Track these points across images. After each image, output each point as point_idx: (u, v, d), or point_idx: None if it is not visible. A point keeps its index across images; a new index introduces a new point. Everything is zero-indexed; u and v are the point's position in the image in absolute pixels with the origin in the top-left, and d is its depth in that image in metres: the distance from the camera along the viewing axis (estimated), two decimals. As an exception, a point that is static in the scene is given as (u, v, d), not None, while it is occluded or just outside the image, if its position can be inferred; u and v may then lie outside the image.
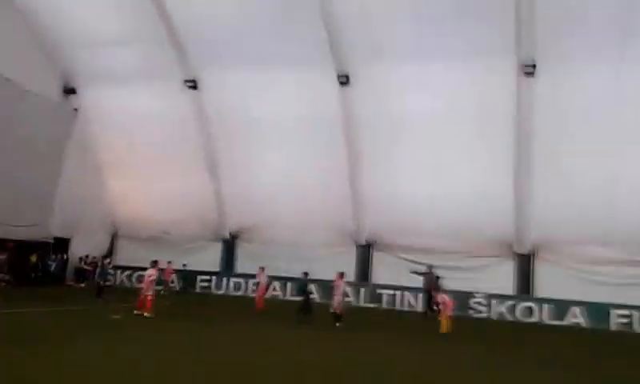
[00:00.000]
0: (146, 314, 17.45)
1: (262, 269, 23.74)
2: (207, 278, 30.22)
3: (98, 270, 26.29)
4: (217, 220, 30.33)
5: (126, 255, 32.20)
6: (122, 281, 31.74)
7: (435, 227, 26.26)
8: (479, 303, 26.12)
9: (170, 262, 27.92)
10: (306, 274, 22.67)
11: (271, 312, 21.45)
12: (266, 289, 24.39)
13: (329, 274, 27.24)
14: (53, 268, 29.50)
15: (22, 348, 10.86)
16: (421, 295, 25.85)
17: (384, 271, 28.19)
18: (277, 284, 28.91)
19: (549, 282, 25.95)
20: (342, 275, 19.09)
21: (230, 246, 30.84)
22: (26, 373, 8.88)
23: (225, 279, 30.01)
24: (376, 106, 25.73)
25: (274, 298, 28.01)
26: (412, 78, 24.75)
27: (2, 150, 25.24)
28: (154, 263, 19.11)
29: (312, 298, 22.08)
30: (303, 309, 19.47)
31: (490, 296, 26.02)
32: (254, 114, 27.16)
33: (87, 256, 30.82)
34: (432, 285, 23.76)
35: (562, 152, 24.01)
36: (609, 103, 22.87)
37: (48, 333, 13.60)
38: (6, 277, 26.71)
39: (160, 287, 24.22)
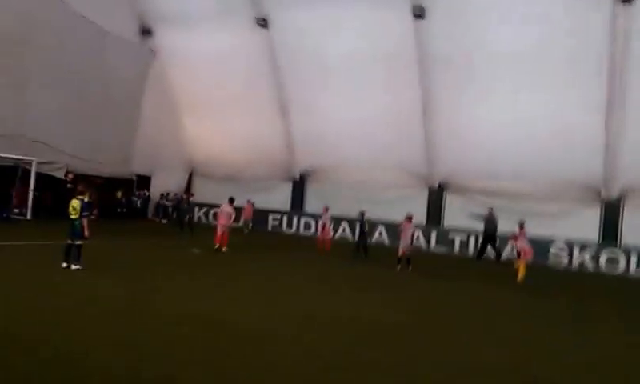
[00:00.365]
0: (223, 248, 18.27)
1: (326, 208, 23.81)
2: (278, 216, 30.83)
3: (180, 205, 27.88)
4: (287, 160, 30.60)
5: (202, 193, 33.39)
6: (199, 218, 33.08)
7: (513, 169, 24.97)
8: (559, 251, 24.95)
9: (250, 201, 28.91)
10: (362, 213, 22.08)
11: (337, 252, 21.56)
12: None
13: (399, 216, 27.15)
14: (137, 204, 31.10)
15: (110, 274, 11.55)
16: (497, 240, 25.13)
17: (456, 215, 27.52)
18: (345, 225, 29.10)
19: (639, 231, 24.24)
20: (410, 219, 18.50)
21: (299, 186, 31.13)
22: (121, 293, 9.43)
23: (295, 218, 30.49)
24: (452, 41, 24.45)
25: (342, 239, 28.25)
26: (495, 7, 23.22)
27: (85, 90, 26.49)
28: (231, 200, 19.47)
29: (367, 238, 22.36)
30: (359, 247, 20.75)
31: (572, 244, 24.70)
32: (325, 53, 26.70)
33: (168, 193, 32.20)
34: (494, 229, 23.87)
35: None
36: None
37: (137, 262, 14.55)
38: (94, 211, 28.36)
39: (240, 224, 25.08)
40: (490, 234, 24.34)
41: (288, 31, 27.15)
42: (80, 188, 12.81)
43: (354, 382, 6.39)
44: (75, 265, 12.06)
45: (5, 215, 22.65)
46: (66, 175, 25.69)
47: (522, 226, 18.59)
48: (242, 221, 27.67)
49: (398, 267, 17.53)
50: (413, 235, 18.60)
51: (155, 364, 6.37)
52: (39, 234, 18.58)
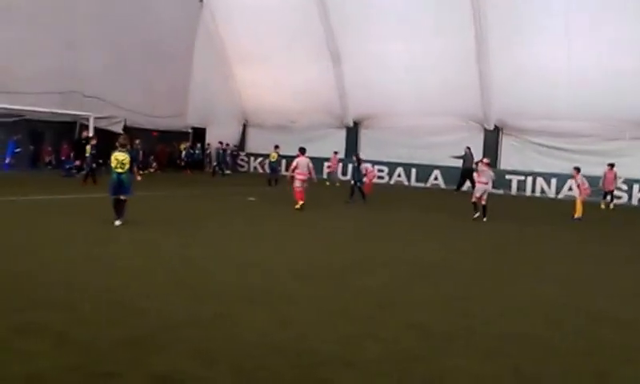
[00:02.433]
0: (298, 204, 16.14)
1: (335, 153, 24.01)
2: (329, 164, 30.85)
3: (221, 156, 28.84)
4: (340, 107, 30.40)
5: (255, 143, 33.82)
6: (254, 167, 33.69)
7: (569, 109, 24.16)
8: (618, 188, 24.13)
9: (336, 152, 28.59)
10: (357, 155, 20.85)
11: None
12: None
13: (455, 161, 26.80)
14: (195, 156, 31.80)
15: (172, 226, 12.03)
16: (554, 180, 24.66)
17: (513, 156, 26.91)
18: (400, 170, 29.02)
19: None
20: (486, 162, 16.52)
21: (353, 133, 30.98)
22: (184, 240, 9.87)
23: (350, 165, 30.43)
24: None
25: (399, 184, 28.26)
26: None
27: (136, 45, 26.95)
28: (302, 150, 16.87)
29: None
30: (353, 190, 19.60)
31: (631, 181, 23.96)
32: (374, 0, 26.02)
33: (227, 144, 32.70)
34: (470, 165, 24.81)
35: None
36: None
37: (204, 212, 15.00)
38: (154, 163, 29.29)
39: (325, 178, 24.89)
40: (467, 169, 25.55)
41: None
42: (121, 141, 11.90)
43: (405, 315, 6.50)
44: (118, 220, 11.52)
45: (69, 168, 23.66)
46: (80, 132, 25.14)
47: (578, 170, 17.93)
48: (325, 174, 27.83)
49: (476, 214, 15.84)
50: (491, 179, 16.21)
51: (212, 304, 6.68)
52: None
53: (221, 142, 31.19)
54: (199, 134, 32.66)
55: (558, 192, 25.45)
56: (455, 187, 26.33)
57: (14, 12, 22.44)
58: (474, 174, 16.30)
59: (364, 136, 30.74)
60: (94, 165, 20.26)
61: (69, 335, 5.31)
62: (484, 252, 11.39)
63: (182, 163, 30.73)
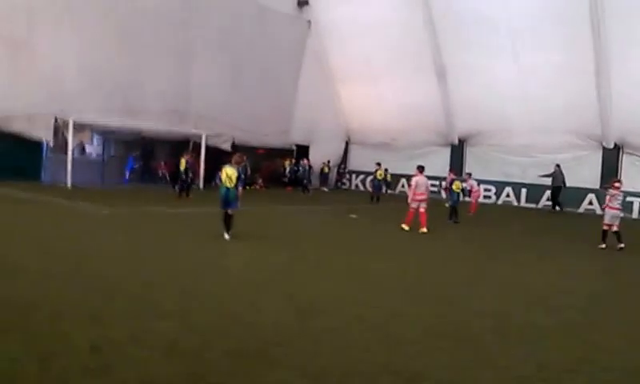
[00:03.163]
0: (423, 229, 14.97)
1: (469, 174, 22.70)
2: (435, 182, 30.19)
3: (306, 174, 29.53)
4: (444, 125, 29.74)
5: (358, 161, 33.88)
6: (356, 185, 33.78)
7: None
8: None
9: (452, 168, 25.39)
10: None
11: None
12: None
13: (571, 180, 25.29)
14: (299, 173, 32.35)
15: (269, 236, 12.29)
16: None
17: (635, 176, 24.86)
18: (509, 190, 27.81)
19: None
20: (617, 184, 14.58)
21: (458, 151, 30.15)
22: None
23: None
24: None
25: (507, 205, 27.10)
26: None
27: (246, 65, 28.07)
28: (421, 168, 15.81)
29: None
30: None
31: None
32: (483, 14, 25.27)
33: (328, 162, 33.13)
34: (559, 183, 25.19)
35: None
36: None
37: (308, 227, 15.15)
38: (259, 181, 30.15)
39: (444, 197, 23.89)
40: (557, 187, 25.41)
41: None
42: (236, 158, 12.17)
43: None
44: (227, 234, 11.73)
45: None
46: (193, 149, 25.52)
47: (618, 184, 14.88)
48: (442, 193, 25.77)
49: (603, 245, 14.00)
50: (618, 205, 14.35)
51: (321, 319, 6.62)
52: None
53: (307, 159, 31.51)
54: (303, 151, 33.24)
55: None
56: (552, 207, 25.71)
57: (137, 37, 24.18)
58: (606, 198, 14.41)
59: (470, 154, 29.78)
60: (189, 179, 21.25)
61: (179, 344, 5.46)
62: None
63: (286, 180, 31.40)
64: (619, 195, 14.37)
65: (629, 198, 24.33)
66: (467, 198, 21.25)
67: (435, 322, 6.82)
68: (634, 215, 24.28)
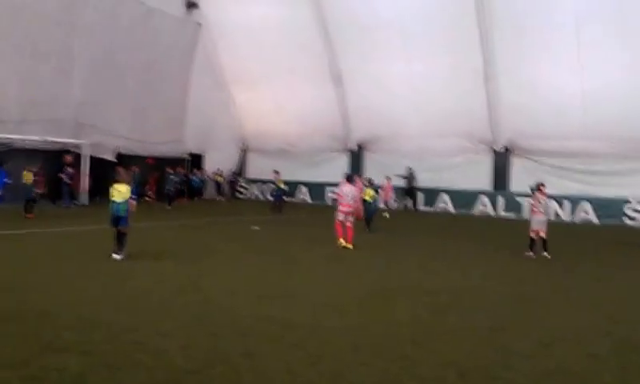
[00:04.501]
0: (347, 244, 14.21)
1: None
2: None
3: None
4: (343, 130, 30.44)
5: (255, 168, 33.76)
6: (255, 194, 33.60)
7: (581, 129, 24.27)
8: (635, 210, 24.28)
9: (389, 178, 26.25)
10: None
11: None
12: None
13: (463, 183, 26.87)
14: (195, 183, 31.64)
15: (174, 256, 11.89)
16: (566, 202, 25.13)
17: (523, 178, 26.86)
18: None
19: None
20: (541, 188, 14.27)
21: (356, 157, 30.96)
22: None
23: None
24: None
25: (402, 209, 28.16)
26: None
27: (132, 69, 27.02)
28: (349, 178, 15.36)
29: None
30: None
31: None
32: (377, 16, 26.19)
33: (220, 170, 32.70)
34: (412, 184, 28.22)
35: None
36: None
37: (208, 242, 14.74)
38: (149, 192, 29.01)
39: (382, 207, 24.07)
40: (410, 188, 28.19)
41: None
42: (122, 176, 11.80)
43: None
44: (118, 254, 11.36)
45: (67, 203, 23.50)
46: (65, 157, 24.40)
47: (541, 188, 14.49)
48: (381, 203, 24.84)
49: (530, 253, 13.88)
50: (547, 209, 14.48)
51: (236, 342, 6.53)
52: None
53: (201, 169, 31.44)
54: (196, 160, 32.56)
55: (572, 214, 25.41)
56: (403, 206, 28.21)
57: (7, 38, 22.50)
58: (531, 203, 14.43)
59: (369, 160, 30.68)
60: (34, 194, 19.62)
61: (88, 381, 5.15)
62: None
63: (181, 190, 30.55)
64: (544, 200, 14.19)
65: (517, 198, 26.40)
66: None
67: (355, 335, 6.94)
68: (525, 215, 26.15)
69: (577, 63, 23.77)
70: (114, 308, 7.75)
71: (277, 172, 26.27)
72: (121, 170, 12.38)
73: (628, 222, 24.29)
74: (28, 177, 19.56)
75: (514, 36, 24.50)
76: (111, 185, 11.75)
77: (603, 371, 5.96)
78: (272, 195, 26.57)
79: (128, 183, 11.79)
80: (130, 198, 11.57)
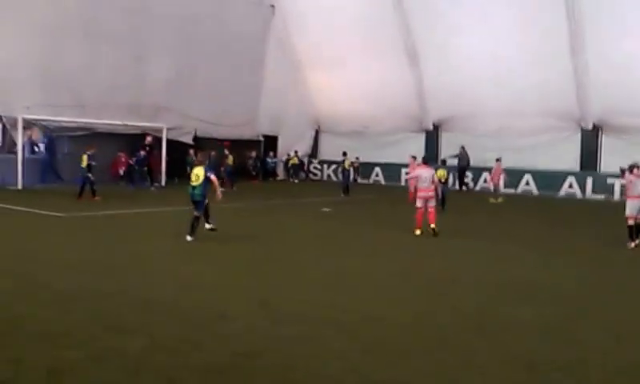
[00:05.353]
0: (432, 226, 13.51)
1: (414, 158, 22.21)
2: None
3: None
4: (418, 111, 29.88)
5: (329, 150, 33.83)
6: (328, 175, 33.74)
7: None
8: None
9: (498, 160, 24.28)
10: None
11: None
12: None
13: (548, 164, 25.79)
14: (270, 165, 32.32)
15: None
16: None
17: (615, 158, 25.35)
18: (487, 175, 28.10)
19: None
20: (636, 169, 12.73)
21: (433, 137, 30.37)
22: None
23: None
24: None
25: (486, 190, 27.30)
26: None
27: (206, 53, 27.65)
28: (425, 160, 14.81)
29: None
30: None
31: None
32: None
33: (296, 152, 33.07)
34: (465, 164, 27.71)
35: None
36: None
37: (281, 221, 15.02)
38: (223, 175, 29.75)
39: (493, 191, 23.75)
40: (462, 167, 27.84)
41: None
42: (199, 158, 12.40)
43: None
44: (191, 236, 11.56)
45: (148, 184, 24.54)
46: (144, 138, 25.69)
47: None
48: (491, 186, 24.53)
49: (633, 244, 12.62)
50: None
51: (294, 326, 6.56)
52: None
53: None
54: (271, 141, 33.06)
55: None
56: (459, 187, 27.75)
57: (87, 26, 23.66)
58: (623, 186, 13.56)
59: (445, 139, 30.00)
60: (90, 177, 19.13)
61: (147, 362, 5.33)
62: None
63: (255, 172, 31.22)
64: (635, 183, 12.71)
65: (609, 180, 24.97)
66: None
67: (416, 325, 6.82)
68: (616, 197, 24.76)
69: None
70: (178, 289, 8.01)
71: (345, 153, 26.10)
72: (197, 152, 12.79)
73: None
74: (83, 159, 19.06)
75: (603, 8, 23.08)
76: (191, 168, 12.19)
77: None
78: (343, 176, 26.31)
79: (203, 165, 12.02)
80: (206, 176, 11.63)
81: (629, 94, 23.54)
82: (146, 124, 25.75)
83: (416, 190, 14.25)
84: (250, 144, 31.70)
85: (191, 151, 25.40)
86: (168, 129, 26.18)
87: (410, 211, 14.36)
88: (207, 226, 12.22)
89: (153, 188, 24.29)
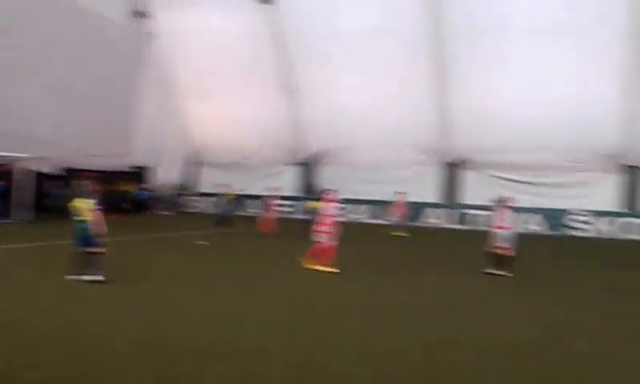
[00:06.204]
0: (322, 267, 13.25)
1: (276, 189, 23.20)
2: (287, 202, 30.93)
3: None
4: (297, 143, 30.83)
5: (209, 181, 33.76)
6: (207, 208, 33.50)
7: (530, 142, 25.40)
8: (578, 220, 25.53)
9: (400, 193, 24.39)
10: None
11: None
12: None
13: (415, 196, 27.60)
14: (144, 197, 31.54)
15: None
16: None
17: (474, 191, 27.81)
18: (362, 207, 29.51)
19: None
20: (506, 203, 13.81)
21: (310, 170, 31.38)
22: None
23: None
24: (464, 14, 24.73)
25: (355, 221, 28.49)
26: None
27: (76, 80, 26.41)
28: (329, 192, 13.94)
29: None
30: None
31: (591, 213, 25.67)
32: (332, 29, 26.75)
33: (168, 184, 32.62)
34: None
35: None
36: None
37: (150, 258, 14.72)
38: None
39: (393, 224, 23.83)
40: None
41: (293, 7, 27.27)
42: (80, 188, 11.40)
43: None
44: (91, 275, 10.80)
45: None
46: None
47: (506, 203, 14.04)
48: (393, 219, 24.37)
49: (493, 270, 13.36)
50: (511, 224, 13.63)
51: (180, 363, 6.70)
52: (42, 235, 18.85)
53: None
54: (145, 173, 32.34)
55: (519, 228, 26.33)
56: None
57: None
58: (496, 217, 13.71)
59: (322, 172, 31.20)
60: None
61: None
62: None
63: (127, 205, 30.38)
64: (509, 213, 13.67)
65: (467, 211, 27.30)
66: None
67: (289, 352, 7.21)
68: (475, 227, 27.00)
69: (525, 77, 24.77)
70: (65, 327, 7.80)
71: (225, 185, 26.28)
72: (77, 182, 11.95)
73: (574, 232, 25.44)
74: None
75: (467, 49, 25.40)
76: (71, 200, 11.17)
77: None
78: (219, 208, 26.37)
79: (84, 196, 11.20)
80: (90, 209, 10.91)
81: (488, 130, 25.83)
82: (10, 154, 24.23)
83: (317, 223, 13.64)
84: (125, 175, 30.82)
85: (73, 181, 24.29)
86: (34, 159, 24.83)
87: (284, 243, 14.74)
88: (87, 277, 10.86)
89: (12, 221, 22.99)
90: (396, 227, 23.57)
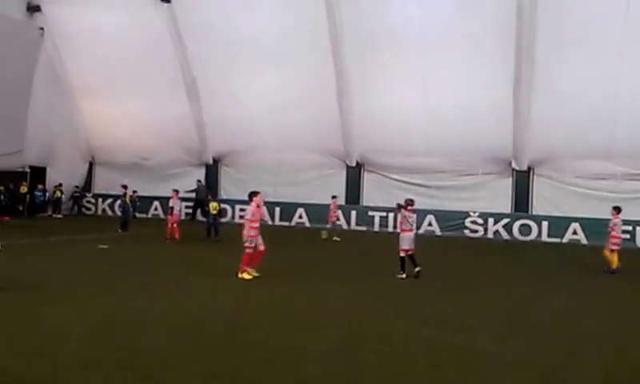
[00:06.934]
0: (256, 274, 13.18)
1: (176, 192, 22.27)
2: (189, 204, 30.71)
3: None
4: (198, 144, 30.61)
5: (104, 183, 32.79)
6: (103, 209, 32.56)
7: (427, 146, 26.75)
8: (474, 222, 27.08)
9: (334, 197, 24.83)
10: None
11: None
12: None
13: (319, 198, 28.27)
14: (38, 198, 30.11)
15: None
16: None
17: (375, 193, 28.87)
18: (263, 210, 29.69)
19: (547, 199, 26.96)
20: (409, 205, 14.23)
21: (213, 171, 31.28)
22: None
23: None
24: (362, 18, 25.44)
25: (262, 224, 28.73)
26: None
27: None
28: (254, 194, 13.50)
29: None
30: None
31: (486, 215, 27.09)
32: (233, 30, 26.66)
33: (60, 185, 31.27)
34: (203, 197, 27.88)
35: (561, 65, 23.91)
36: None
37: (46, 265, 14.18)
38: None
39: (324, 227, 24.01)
40: (199, 200, 29.20)
41: (192, 6, 26.98)
42: None
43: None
44: None
45: None
46: None
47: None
48: (327, 224, 24.35)
49: (402, 275, 13.71)
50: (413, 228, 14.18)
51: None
52: None
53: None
54: (38, 173, 30.87)
55: (418, 228, 27.59)
56: (191, 217, 29.69)
57: None
58: (398, 221, 14.25)
59: (224, 173, 31.19)
60: None
61: None
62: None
63: (20, 207, 29.00)
64: (412, 217, 14.13)
65: (370, 213, 28.34)
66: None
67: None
68: (375, 228, 28.10)
69: (420, 83, 25.75)
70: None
71: (125, 186, 25.72)
72: None
73: (468, 233, 27.04)
74: None
75: (365, 54, 25.95)
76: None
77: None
78: (123, 210, 25.69)
79: None
80: None
81: (386, 134, 26.91)
82: None
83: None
84: (17, 176, 29.30)
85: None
86: None
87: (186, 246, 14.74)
88: None
89: None
90: (331, 231, 23.83)
